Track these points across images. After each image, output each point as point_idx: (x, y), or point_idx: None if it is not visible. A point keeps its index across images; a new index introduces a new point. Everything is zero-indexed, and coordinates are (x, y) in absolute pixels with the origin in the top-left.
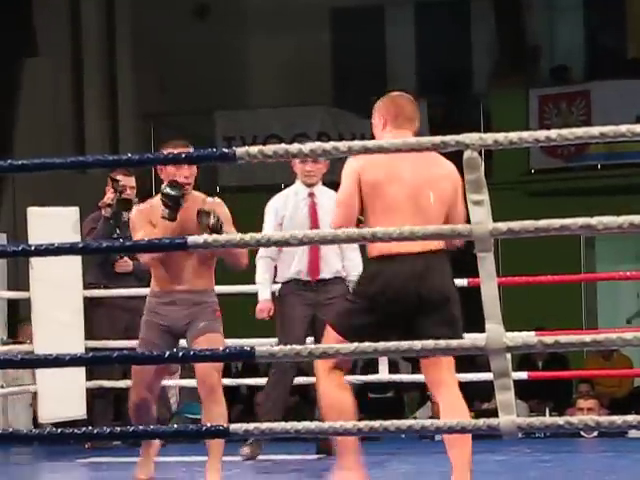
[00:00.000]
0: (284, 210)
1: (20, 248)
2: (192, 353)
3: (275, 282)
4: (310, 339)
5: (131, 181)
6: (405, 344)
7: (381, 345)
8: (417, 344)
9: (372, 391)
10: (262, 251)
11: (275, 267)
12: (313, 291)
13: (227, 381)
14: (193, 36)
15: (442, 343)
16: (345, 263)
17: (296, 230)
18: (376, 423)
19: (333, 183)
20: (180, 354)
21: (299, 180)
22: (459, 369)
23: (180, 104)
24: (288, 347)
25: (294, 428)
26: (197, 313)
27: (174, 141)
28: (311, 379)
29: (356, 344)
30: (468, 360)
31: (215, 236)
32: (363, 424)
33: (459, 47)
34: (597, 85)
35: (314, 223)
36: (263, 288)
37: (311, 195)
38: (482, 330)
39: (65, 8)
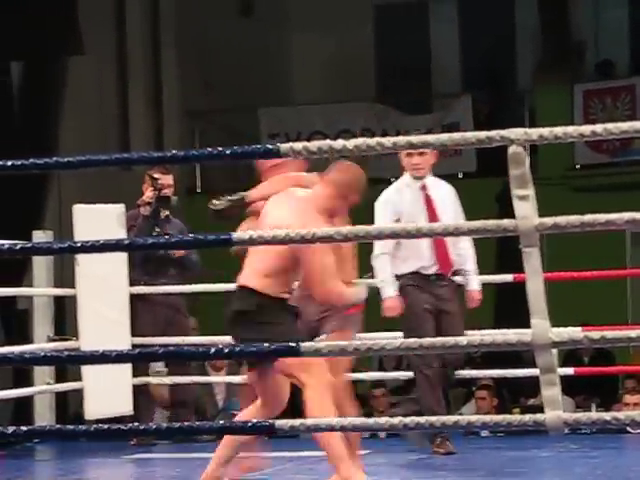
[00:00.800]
0: (401, 204)
1: (66, 245)
2: (238, 349)
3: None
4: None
5: (169, 179)
6: (451, 340)
7: (426, 341)
8: (463, 340)
9: None
10: (379, 248)
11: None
12: (435, 285)
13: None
14: (237, 34)
15: (488, 338)
16: (461, 252)
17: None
18: (422, 419)
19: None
20: (226, 350)
21: (407, 173)
22: (506, 365)
23: (224, 102)
24: (334, 343)
25: (340, 424)
26: (329, 310)
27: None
28: (355, 375)
29: (401, 340)
30: (515, 356)
31: (260, 232)
32: (409, 420)
33: (504, 43)
34: None
35: (432, 215)
36: (388, 285)
37: (423, 188)
38: (528, 325)
39: (110, 6)
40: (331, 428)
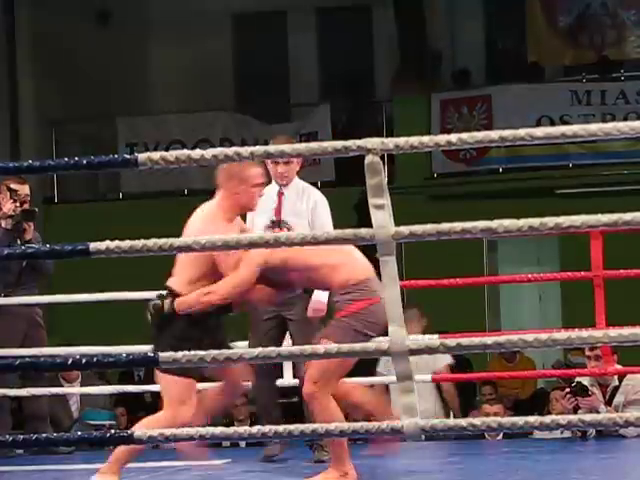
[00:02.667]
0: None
1: None
2: (95, 360)
3: None
4: None
5: (26, 188)
6: (308, 348)
7: (285, 349)
8: (320, 348)
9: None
10: None
11: None
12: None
13: (131, 388)
14: (95, 42)
15: (345, 347)
16: None
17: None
18: (280, 427)
19: None
20: (83, 361)
21: (274, 181)
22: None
23: (82, 110)
24: (192, 352)
25: (196, 433)
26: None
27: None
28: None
29: (260, 349)
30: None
31: (118, 243)
32: (268, 428)
33: (361, 52)
34: (498, 89)
35: (277, 214)
36: None
37: (280, 195)
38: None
39: None
40: (190, 438)
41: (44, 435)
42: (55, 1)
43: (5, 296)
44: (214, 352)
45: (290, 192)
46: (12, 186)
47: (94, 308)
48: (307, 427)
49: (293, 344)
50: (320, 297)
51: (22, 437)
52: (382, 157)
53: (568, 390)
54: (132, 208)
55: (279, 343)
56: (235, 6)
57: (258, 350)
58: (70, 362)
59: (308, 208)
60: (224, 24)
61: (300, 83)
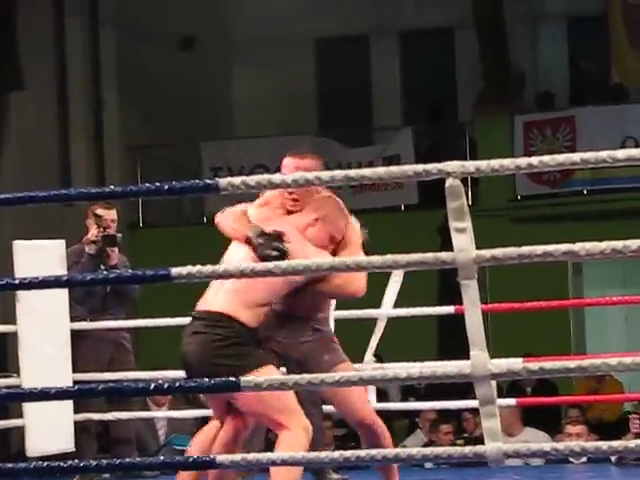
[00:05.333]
0: None
1: (5, 282)
2: (178, 384)
3: None
4: None
5: (112, 214)
6: (390, 372)
7: (365, 374)
8: (402, 372)
9: None
10: None
11: None
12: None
13: None
14: (178, 68)
15: (428, 370)
16: None
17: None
18: (363, 452)
19: None
20: (166, 385)
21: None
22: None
23: (166, 136)
24: (273, 377)
25: (280, 458)
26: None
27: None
28: None
29: (341, 373)
30: (463, 387)
31: (200, 267)
32: (350, 453)
33: (444, 75)
34: (581, 111)
35: None
36: None
37: None
38: (468, 357)
39: (50, 40)
40: (280, 462)
41: (128, 460)
42: (139, 28)
43: (91, 320)
44: (296, 377)
45: None
46: (97, 212)
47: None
48: (389, 452)
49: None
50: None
51: (106, 462)
52: (465, 180)
53: (636, 414)
54: (216, 232)
55: None
56: (318, 30)
57: (339, 374)
58: (152, 387)
59: None
60: (307, 48)
61: (382, 106)
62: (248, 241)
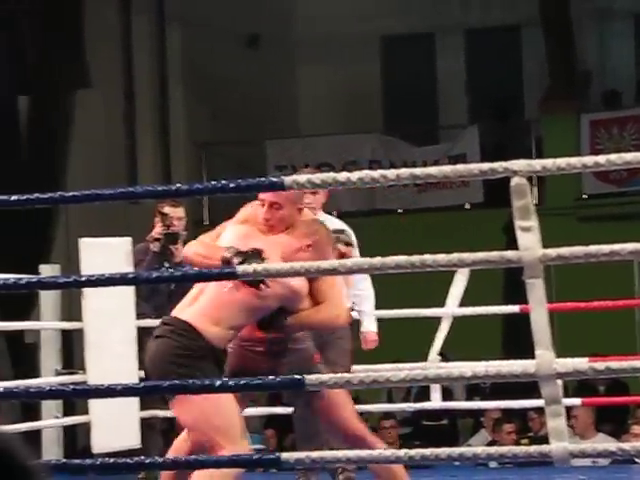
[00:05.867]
0: None
1: (72, 279)
2: (243, 382)
3: None
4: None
5: (179, 212)
6: (456, 371)
7: (432, 372)
8: (467, 371)
9: (426, 418)
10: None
11: None
12: None
13: (280, 410)
14: (243, 65)
15: (493, 369)
16: (358, 293)
17: None
18: (427, 451)
19: None
20: (230, 383)
21: None
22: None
23: (231, 133)
24: (339, 375)
25: (345, 456)
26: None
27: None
28: (363, 407)
29: (406, 372)
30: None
31: (264, 265)
32: (415, 452)
33: (510, 73)
34: None
35: None
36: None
37: None
38: (533, 357)
39: (117, 38)
40: (345, 460)
41: (192, 457)
42: (205, 26)
43: (156, 318)
44: (361, 375)
45: None
46: (164, 210)
47: None
48: (456, 450)
49: None
50: (370, 328)
51: (172, 459)
52: (531, 178)
53: None
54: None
55: None
56: (384, 28)
57: (404, 373)
58: (218, 385)
59: None
60: (372, 46)
61: (448, 104)
62: (225, 262)
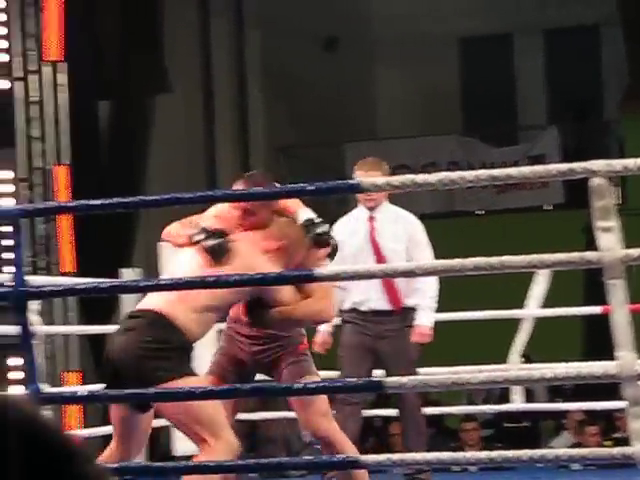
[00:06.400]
0: (341, 235)
1: (153, 283)
2: (323, 385)
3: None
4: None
5: None
6: (536, 373)
7: (511, 374)
8: (548, 372)
9: (507, 420)
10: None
11: None
12: (374, 322)
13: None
14: (322, 68)
15: (574, 370)
16: (418, 286)
17: (354, 256)
18: (509, 452)
19: None
20: (312, 385)
21: (360, 205)
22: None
23: (310, 136)
24: (419, 377)
25: (424, 458)
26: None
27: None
28: (444, 409)
29: (485, 374)
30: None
31: (344, 268)
32: (496, 453)
33: (589, 73)
34: None
35: (375, 250)
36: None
37: (371, 219)
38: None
39: (196, 43)
40: (424, 463)
41: (275, 459)
42: (284, 28)
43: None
44: (440, 377)
45: (383, 216)
46: None
47: None
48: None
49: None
50: (423, 321)
51: (254, 461)
52: (613, 179)
53: None
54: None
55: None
56: (462, 29)
57: (484, 375)
58: (295, 387)
59: (406, 232)
60: (451, 47)
61: (527, 105)
62: (192, 241)
